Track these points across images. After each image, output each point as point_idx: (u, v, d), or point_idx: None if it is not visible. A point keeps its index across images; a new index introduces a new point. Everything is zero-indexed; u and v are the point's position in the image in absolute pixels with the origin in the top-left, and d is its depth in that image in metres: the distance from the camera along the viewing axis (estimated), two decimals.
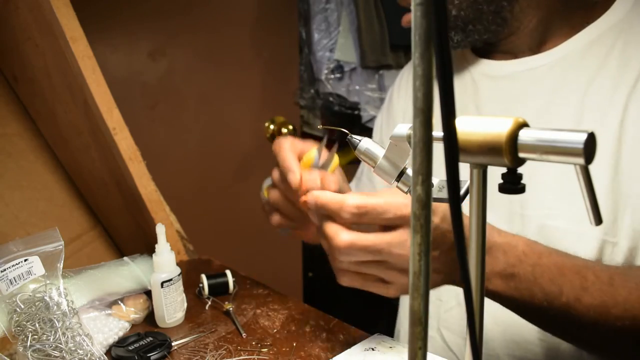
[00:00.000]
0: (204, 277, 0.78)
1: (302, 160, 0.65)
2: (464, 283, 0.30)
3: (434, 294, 0.82)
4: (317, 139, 1.70)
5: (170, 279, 0.69)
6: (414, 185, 0.28)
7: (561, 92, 0.72)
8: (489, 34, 0.73)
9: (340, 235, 0.53)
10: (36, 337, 0.57)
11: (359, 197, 0.53)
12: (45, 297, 0.60)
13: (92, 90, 0.74)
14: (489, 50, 0.79)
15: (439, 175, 0.46)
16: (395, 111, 0.96)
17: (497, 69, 0.78)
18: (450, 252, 0.56)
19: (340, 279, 0.58)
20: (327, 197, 0.55)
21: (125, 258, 0.78)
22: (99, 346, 0.64)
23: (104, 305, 0.70)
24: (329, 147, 0.67)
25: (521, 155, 0.37)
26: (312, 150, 0.66)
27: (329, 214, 0.55)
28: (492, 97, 0.78)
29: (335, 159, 0.66)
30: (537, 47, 0.75)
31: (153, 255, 0.70)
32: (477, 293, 0.40)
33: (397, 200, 0.53)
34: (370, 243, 0.53)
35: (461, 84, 0.83)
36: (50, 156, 0.91)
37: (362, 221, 0.54)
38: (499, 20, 0.71)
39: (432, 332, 0.81)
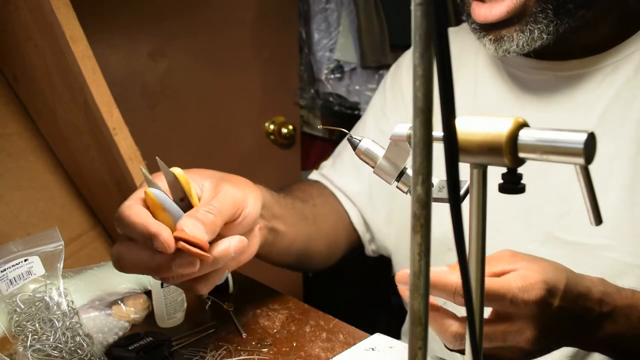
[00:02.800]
0: None
1: (149, 206, 0.52)
2: (464, 284, 0.30)
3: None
4: (317, 139, 1.70)
5: None
6: (414, 185, 0.28)
7: (616, 106, 0.67)
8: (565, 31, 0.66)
9: (452, 328, 0.50)
10: (36, 337, 0.57)
11: None
12: (45, 297, 0.60)
13: (92, 90, 0.74)
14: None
15: (439, 175, 0.46)
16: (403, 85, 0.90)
17: (537, 70, 0.73)
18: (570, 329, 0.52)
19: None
20: (436, 276, 0.49)
21: None
22: (99, 346, 0.64)
23: (104, 305, 0.70)
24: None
25: (521, 155, 0.37)
26: (147, 190, 0.52)
27: (437, 294, 0.50)
28: (536, 94, 0.74)
29: (182, 177, 0.52)
30: (582, 49, 0.70)
31: None
32: (477, 293, 0.40)
33: (515, 284, 0.48)
34: (485, 331, 0.48)
35: (495, 78, 0.78)
36: (50, 156, 0.91)
37: None
38: (579, 17, 0.65)
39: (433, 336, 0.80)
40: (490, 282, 0.48)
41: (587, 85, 0.70)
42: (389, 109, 0.92)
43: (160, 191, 0.52)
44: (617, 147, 0.66)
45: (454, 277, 0.49)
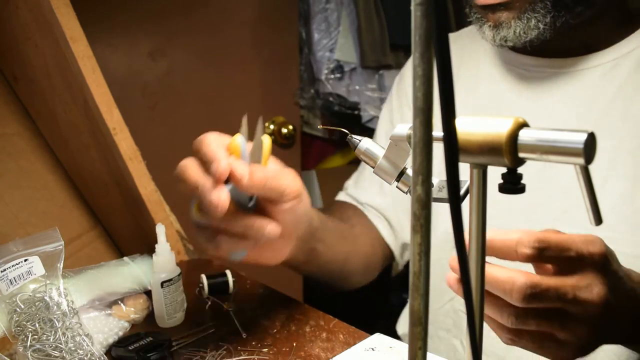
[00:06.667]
0: (204, 277, 0.78)
1: (230, 147, 0.57)
2: (464, 284, 0.30)
3: (455, 305, 0.80)
4: (317, 139, 1.70)
5: (170, 279, 0.69)
6: (414, 185, 0.28)
7: (617, 102, 0.68)
8: (561, 26, 0.67)
9: (518, 278, 0.44)
10: (36, 337, 0.57)
11: (537, 232, 0.46)
12: (45, 297, 0.60)
13: (92, 90, 0.74)
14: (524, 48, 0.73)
15: (439, 175, 0.46)
16: (408, 91, 0.92)
17: (535, 67, 0.75)
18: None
19: (506, 340, 0.49)
20: (495, 233, 0.46)
21: (125, 258, 0.78)
22: (99, 346, 0.64)
23: (104, 305, 0.70)
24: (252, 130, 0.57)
25: (521, 155, 0.37)
26: (236, 137, 0.57)
27: (496, 252, 0.46)
28: (531, 95, 0.75)
29: (266, 144, 0.57)
30: (581, 47, 0.72)
31: (153, 255, 0.70)
32: (477, 293, 0.40)
33: (578, 238, 0.46)
34: (554, 285, 0.45)
35: (495, 77, 0.80)
36: (50, 156, 0.91)
37: (540, 259, 0.46)
38: (581, 9, 0.67)
39: (455, 342, 0.81)
40: (553, 235, 0.45)
41: (587, 82, 0.71)
42: (395, 117, 0.94)
43: (244, 143, 0.57)
44: (619, 141, 0.67)
45: (513, 234, 0.46)
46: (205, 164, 0.54)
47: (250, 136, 0.58)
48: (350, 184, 0.98)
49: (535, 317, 0.46)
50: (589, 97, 0.70)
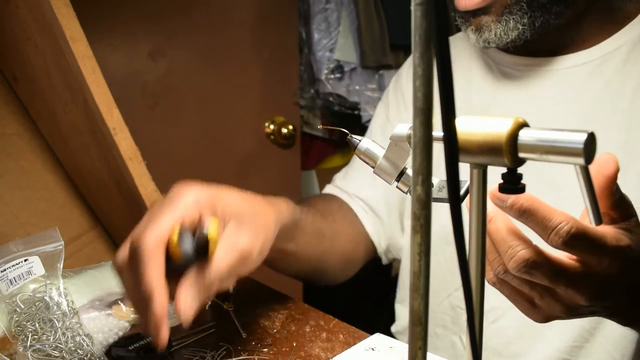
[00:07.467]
0: None
1: (169, 240, 0.52)
2: (464, 284, 0.30)
3: (453, 302, 0.81)
4: (317, 139, 1.70)
5: None
6: (414, 185, 0.28)
7: (606, 96, 0.70)
8: (544, 25, 0.69)
9: (522, 251, 0.44)
10: (36, 337, 0.58)
11: (580, 230, 0.43)
12: (45, 297, 0.60)
13: (92, 90, 0.74)
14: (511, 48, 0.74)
15: (439, 175, 0.45)
16: (405, 92, 0.92)
17: (528, 66, 0.76)
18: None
19: (487, 279, 0.49)
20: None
21: None
22: (99, 346, 0.64)
23: (104, 305, 0.70)
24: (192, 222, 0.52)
25: (521, 155, 0.37)
26: (174, 233, 0.52)
27: (530, 223, 0.45)
28: (523, 95, 0.77)
29: (212, 235, 0.51)
30: (568, 46, 0.74)
31: None
32: (477, 293, 0.40)
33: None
34: (555, 270, 0.44)
35: (487, 77, 0.81)
36: (50, 156, 0.91)
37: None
38: (561, 7, 0.68)
39: (454, 338, 0.81)
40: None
41: (576, 78, 0.73)
42: (392, 114, 0.94)
43: (187, 240, 0.52)
44: (607, 135, 0.68)
45: (558, 215, 0.43)
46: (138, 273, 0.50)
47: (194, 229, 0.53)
48: (338, 176, 0.97)
49: (520, 279, 0.46)
50: (577, 93, 0.72)
